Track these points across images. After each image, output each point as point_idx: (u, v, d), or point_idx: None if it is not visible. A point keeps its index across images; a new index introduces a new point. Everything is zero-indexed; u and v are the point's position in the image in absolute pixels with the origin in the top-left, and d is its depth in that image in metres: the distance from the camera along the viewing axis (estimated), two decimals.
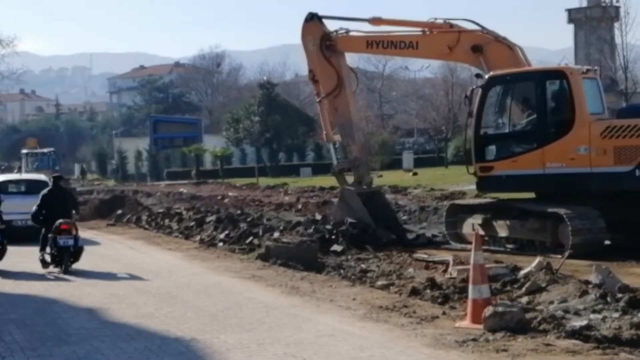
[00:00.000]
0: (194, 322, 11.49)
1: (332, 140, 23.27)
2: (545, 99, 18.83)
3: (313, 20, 22.37)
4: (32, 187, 24.90)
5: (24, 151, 50.32)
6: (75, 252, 18.35)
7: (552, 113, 18.66)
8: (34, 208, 19.42)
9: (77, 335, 10.93)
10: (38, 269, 17.93)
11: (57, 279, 16.98)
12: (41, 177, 27.75)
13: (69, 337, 10.89)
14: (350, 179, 22.88)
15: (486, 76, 19.61)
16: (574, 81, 18.21)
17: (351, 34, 22.44)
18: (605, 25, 76.68)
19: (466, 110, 21.26)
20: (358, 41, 22.82)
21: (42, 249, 18.68)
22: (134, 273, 17.03)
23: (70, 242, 18.15)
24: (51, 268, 18.14)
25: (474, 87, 20.10)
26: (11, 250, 18.97)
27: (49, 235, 18.29)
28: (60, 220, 18.26)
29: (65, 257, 17.96)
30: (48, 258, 18.46)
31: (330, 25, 22.57)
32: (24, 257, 19.63)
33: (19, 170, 47.28)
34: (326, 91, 22.44)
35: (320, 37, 22.11)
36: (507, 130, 19.54)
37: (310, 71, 22.82)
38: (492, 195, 20.38)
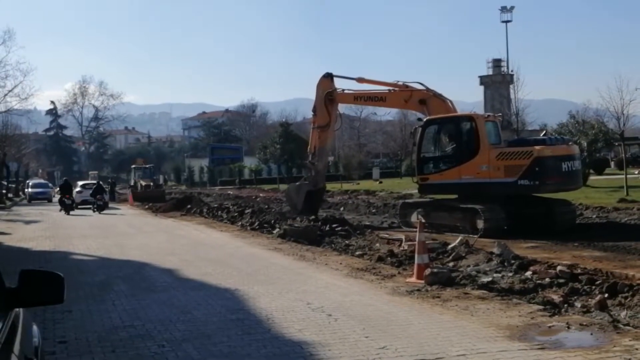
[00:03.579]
0: (237, 278, 11.48)
1: (311, 152, 23.24)
2: (462, 134, 18.95)
3: (328, 77, 22.52)
4: (93, 186, 37.41)
5: (134, 166, 49.64)
6: (104, 205, 34.03)
7: (466, 143, 18.71)
8: (90, 192, 35.41)
9: (161, 287, 10.93)
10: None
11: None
12: (97, 182, 39.55)
13: (156, 287, 10.88)
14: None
15: (424, 119, 19.78)
16: (479, 123, 18.38)
17: (345, 91, 22.54)
18: (504, 86, 76.66)
19: (412, 142, 21.43)
20: (349, 96, 23.09)
21: (92, 204, 34.34)
22: (198, 246, 17.00)
23: (101, 202, 33.68)
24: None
25: (417, 126, 20.25)
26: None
27: (94, 200, 34.02)
28: (98, 195, 34.18)
29: (100, 208, 33.51)
30: (95, 208, 33.75)
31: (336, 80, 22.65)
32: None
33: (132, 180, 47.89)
34: (319, 124, 22.69)
35: (327, 91, 22.20)
36: (437, 155, 19.66)
37: (314, 106, 22.94)
38: (429, 196, 20.40)
